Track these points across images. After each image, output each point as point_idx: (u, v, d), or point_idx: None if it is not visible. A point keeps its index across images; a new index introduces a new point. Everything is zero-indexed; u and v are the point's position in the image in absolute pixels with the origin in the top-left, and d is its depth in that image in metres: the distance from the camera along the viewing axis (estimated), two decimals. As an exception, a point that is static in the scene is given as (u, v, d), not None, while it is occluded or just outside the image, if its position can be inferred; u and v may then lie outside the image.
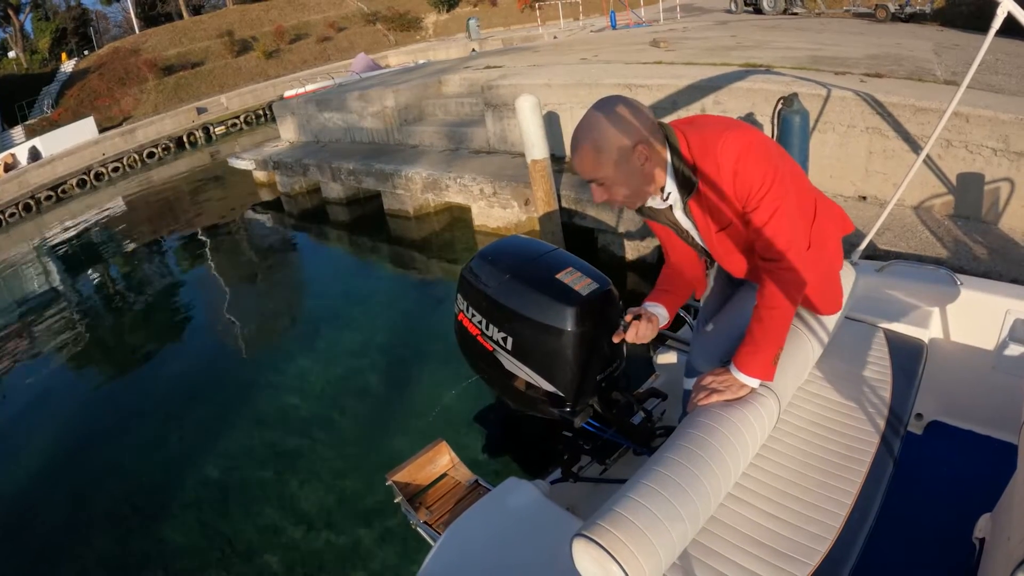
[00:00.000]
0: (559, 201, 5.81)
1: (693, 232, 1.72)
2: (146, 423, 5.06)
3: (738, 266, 1.73)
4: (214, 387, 5.45)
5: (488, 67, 9.04)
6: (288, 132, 11.10)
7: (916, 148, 4.56)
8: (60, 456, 4.90)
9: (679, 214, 1.68)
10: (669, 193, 1.61)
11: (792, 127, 4.03)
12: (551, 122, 6.72)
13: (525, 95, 5.46)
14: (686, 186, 1.56)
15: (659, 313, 1.85)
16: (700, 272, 1.93)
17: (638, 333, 1.80)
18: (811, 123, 4.60)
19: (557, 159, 6.87)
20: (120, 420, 5.26)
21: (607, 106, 1.50)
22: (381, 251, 7.94)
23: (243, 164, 11.02)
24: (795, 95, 4.12)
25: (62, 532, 4.03)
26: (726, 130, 1.48)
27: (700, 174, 1.53)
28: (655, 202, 1.67)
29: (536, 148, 5.47)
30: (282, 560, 3.43)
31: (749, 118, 5.31)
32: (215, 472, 4.25)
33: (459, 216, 7.58)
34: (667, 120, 1.62)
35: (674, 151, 1.54)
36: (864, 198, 4.90)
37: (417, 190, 7.41)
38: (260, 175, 11.21)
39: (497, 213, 6.61)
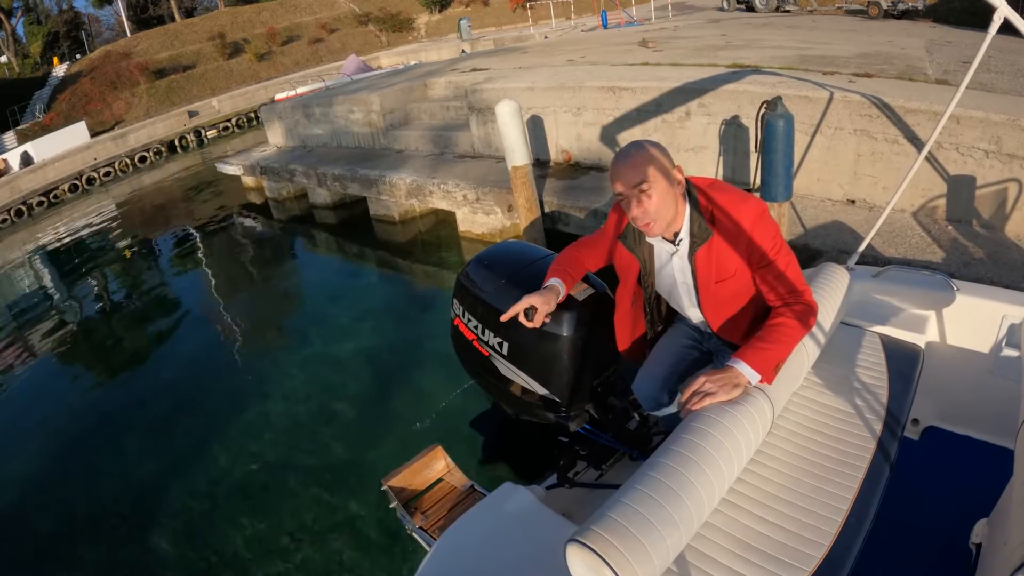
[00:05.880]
0: (541, 207, 5.69)
1: (688, 281, 1.83)
2: (135, 430, 4.97)
3: (720, 318, 1.85)
4: (204, 393, 5.36)
5: (474, 70, 8.93)
6: (276, 137, 10.98)
7: (906, 150, 4.45)
8: (48, 463, 4.83)
9: (678, 261, 1.82)
10: (681, 240, 1.77)
11: (776, 131, 3.91)
12: (534, 126, 6.62)
13: (505, 100, 5.33)
14: (700, 235, 1.74)
15: (562, 289, 2.02)
16: (593, 268, 2.13)
17: (545, 315, 1.96)
18: (798, 125, 4.49)
19: (541, 163, 6.77)
20: (109, 427, 5.17)
21: (650, 141, 1.73)
22: (369, 256, 7.86)
23: (231, 169, 10.89)
24: (779, 99, 4.01)
25: (50, 540, 3.96)
26: (747, 197, 1.73)
27: (718, 227, 1.72)
28: (663, 245, 1.82)
29: (517, 154, 5.34)
30: (274, 568, 3.36)
31: (734, 121, 5.20)
32: (204, 479, 4.17)
33: (445, 220, 7.49)
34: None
35: (693, 203, 1.74)
36: (852, 202, 4.78)
37: (401, 196, 7.30)
38: (248, 180, 11.09)
39: (481, 219, 6.49)
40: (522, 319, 1.94)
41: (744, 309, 1.82)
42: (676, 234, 1.77)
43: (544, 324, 1.98)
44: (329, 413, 4.61)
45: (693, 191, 1.75)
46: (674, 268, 1.84)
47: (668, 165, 1.70)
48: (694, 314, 1.93)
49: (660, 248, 1.85)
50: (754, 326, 1.77)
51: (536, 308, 1.92)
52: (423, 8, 34.46)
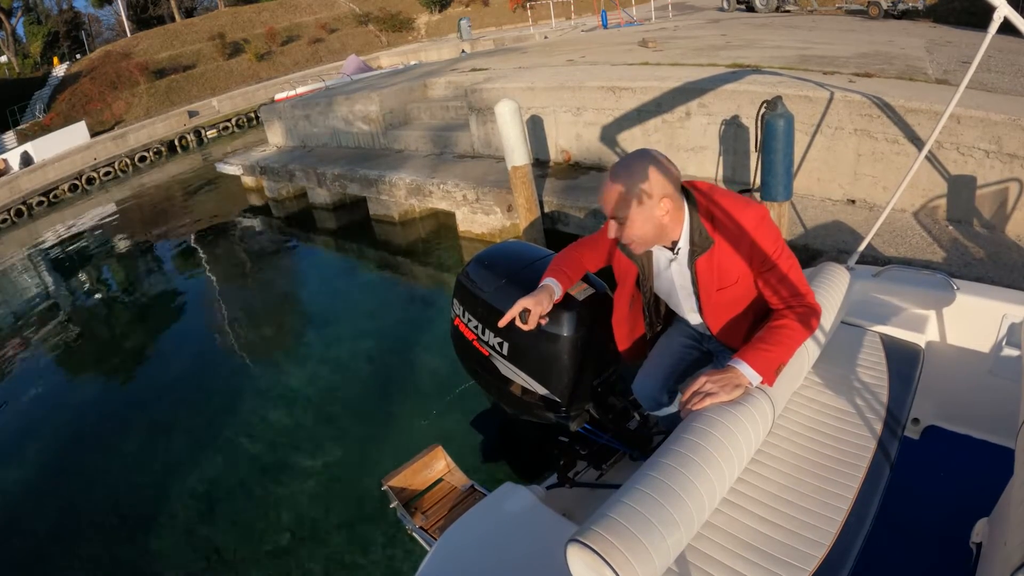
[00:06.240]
0: (541, 207, 5.68)
1: (687, 286, 1.81)
2: (135, 430, 4.97)
3: (721, 322, 1.83)
4: (204, 394, 5.36)
5: (474, 69, 8.93)
6: (275, 136, 10.98)
7: (906, 150, 4.44)
8: (48, 463, 4.83)
9: (676, 267, 1.79)
10: (680, 248, 1.74)
11: (776, 131, 3.91)
12: (535, 126, 6.62)
13: (505, 100, 5.33)
14: (701, 243, 1.70)
15: (557, 289, 2.00)
16: (592, 269, 2.12)
17: (539, 316, 1.95)
18: (798, 125, 4.49)
19: (541, 163, 6.76)
20: (109, 427, 5.17)
21: (646, 156, 1.63)
22: (369, 256, 7.86)
23: (231, 169, 10.89)
24: (779, 98, 4.00)
25: (49, 541, 3.96)
26: (748, 202, 1.70)
27: (719, 234, 1.68)
28: (662, 252, 1.80)
29: (516, 154, 5.34)
30: (275, 568, 3.36)
31: (734, 121, 5.20)
32: (204, 480, 4.17)
33: (445, 220, 7.49)
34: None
35: (694, 210, 1.69)
36: (853, 202, 4.78)
37: (401, 196, 7.30)
38: (248, 180, 11.09)
39: (481, 219, 6.49)
40: (517, 322, 1.94)
41: (744, 313, 1.80)
42: (675, 242, 1.74)
43: (540, 325, 1.97)
44: (329, 413, 4.61)
45: (693, 196, 1.71)
46: (673, 274, 1.83)
47: (652, 193, 1.60)
48: (694, 318, 1.92)
49: (659, 255, 1.83)
50: (755, 329, 1.76)
51: (529, 310, 1.91)
52: (423, 8, 34.45)
